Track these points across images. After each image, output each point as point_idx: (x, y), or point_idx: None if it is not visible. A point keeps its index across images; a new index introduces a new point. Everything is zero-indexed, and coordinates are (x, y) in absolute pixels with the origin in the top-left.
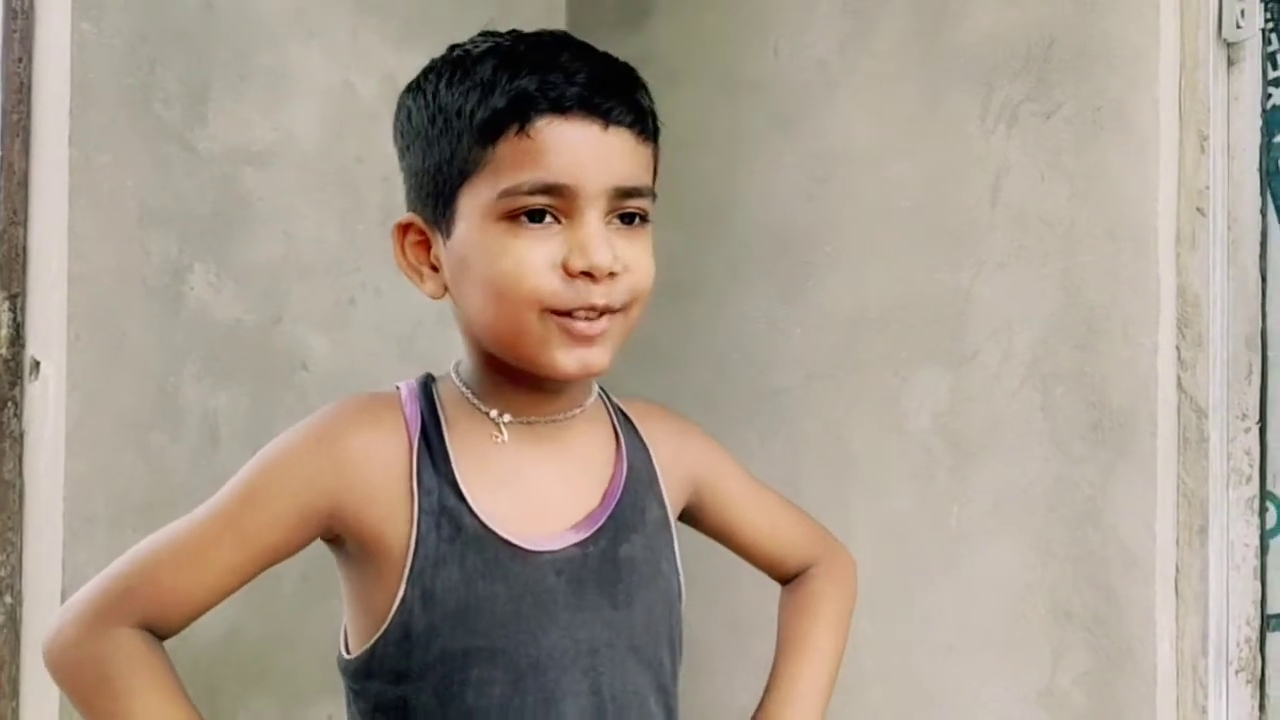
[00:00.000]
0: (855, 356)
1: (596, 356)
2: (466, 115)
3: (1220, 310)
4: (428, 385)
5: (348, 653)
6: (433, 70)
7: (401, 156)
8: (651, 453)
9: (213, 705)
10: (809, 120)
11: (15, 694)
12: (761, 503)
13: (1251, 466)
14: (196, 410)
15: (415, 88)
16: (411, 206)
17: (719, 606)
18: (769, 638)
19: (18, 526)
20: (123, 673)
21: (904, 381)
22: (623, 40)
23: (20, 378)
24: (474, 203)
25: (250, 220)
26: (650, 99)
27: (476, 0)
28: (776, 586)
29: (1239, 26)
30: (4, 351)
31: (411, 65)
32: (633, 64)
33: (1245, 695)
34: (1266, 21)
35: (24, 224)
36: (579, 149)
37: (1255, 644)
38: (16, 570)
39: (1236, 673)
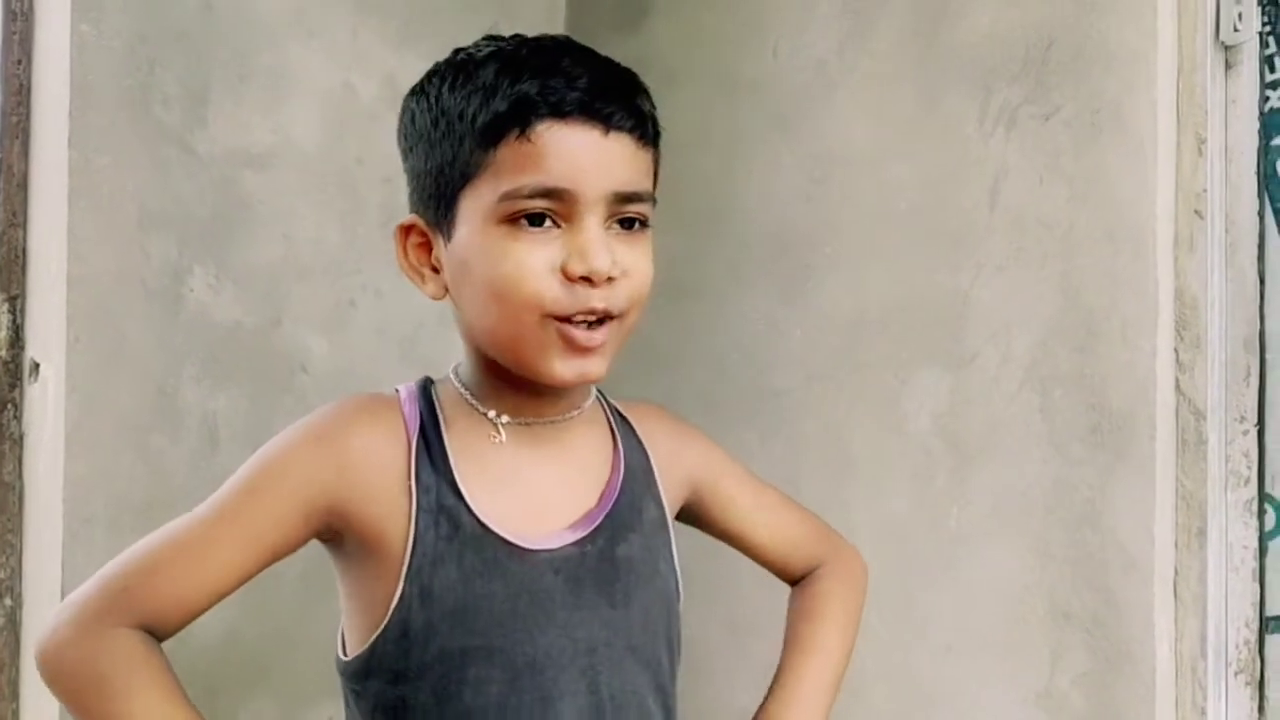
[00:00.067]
0: (855, 358)
1: (594, 366)
2: (468, 118)
3: (1218, 312)
4: (426, 387)
5: (345, 654)
6: (436, 73)
7: (405, 158)
8: (649, 454)
9: (213, 706)
10: (808, 121)
11: (15, 696)
12: (762, 502)
13: (1250, 468)
14: (196, 412)
15: (419, 91)
16: (414, 208)
17: (719, 606)
18: (769, 638)
19: (17, 528)
20: (121, 673)
21: (903, 383)
22: (622, 41)
23: (20, 380)
24: (475, 206)
25: (250, 222)
26: (651, 104)
27: (476, 1)
28: (777, 586)
29: (1237, 29)
30: (3, 353)
31: (411, 66)
32: (631, 65)
33: (1244, 697)
34: (1264, 25)
35: (23, 226)
36: (579, 153)
37: (1254, 646)
38: (16, 572)
39: (1235, 674)
